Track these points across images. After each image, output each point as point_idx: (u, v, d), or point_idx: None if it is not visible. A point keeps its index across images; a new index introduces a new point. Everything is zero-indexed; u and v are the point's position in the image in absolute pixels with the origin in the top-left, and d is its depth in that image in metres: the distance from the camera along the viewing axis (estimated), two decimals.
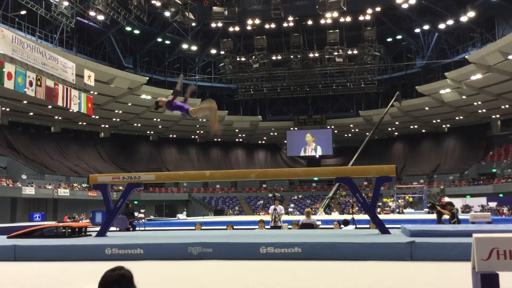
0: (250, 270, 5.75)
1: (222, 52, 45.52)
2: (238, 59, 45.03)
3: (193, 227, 14.39)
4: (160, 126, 47.75)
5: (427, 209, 27.54)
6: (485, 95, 38.26)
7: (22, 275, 5.73)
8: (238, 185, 51.87)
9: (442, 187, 43.70)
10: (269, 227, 13.10)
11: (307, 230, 11.04)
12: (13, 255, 6.87)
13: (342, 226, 12.71)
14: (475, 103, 40.90)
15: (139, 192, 40.88)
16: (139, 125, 47.65)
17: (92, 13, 32.29)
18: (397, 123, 48.16)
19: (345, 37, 42.77)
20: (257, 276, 5.35)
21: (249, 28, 43.35)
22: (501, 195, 37.46)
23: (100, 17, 32.90)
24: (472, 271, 4.09)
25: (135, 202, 39.28)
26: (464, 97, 39.41)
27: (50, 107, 34.74)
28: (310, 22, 42.98)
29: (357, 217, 17.16)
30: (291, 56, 44.37)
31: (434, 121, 48.02)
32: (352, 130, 52.18)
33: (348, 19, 41.09)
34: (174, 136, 51.06)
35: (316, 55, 44.12)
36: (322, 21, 41.24)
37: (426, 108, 43.70)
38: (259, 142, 57.22)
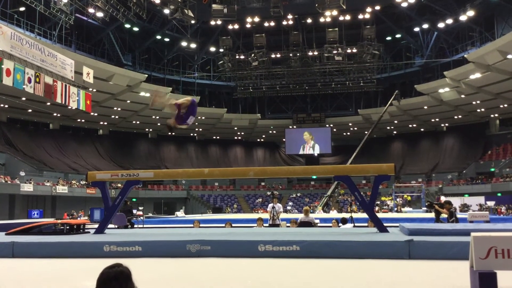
0: (249, 268, 5.75)
1: (221, 50, 45.46)
2: (237, 57, 44.97)
3: (191, 225, 14.39)
4: (159, 124, 47.72)
5: (425, 208, 27.57)
6: (484, 94, 38.29)
7: (20, 272, 5.72)
8: (237, 183, 51.89)
9: (440, 186, 43.75)
10: (267, 225, 13.11)
11: (306, 228, 11.06)
12: (11, 251, 6.87)
13: (340, 224, 12.73)
14: (474, 102, 40.94)
15: (137, 189, 40.90)
16: (138, 122, 47.62)
17: (91, 10, 32.26)
18: (396, 122, 48.19)
19: (345, 35, 42.74)
20: (255, 274, 5.35)
21: (248, 26, 43.30)
22: (499, 194, 37.53)
23: (99, 14, 32.86)
24: (470, 270, 4.10)
25: (134, 200, 39.25)
26: (463, 96, 39.44)
27: (48, 104, 34.70)
28: (309, 20, 42.96)
29: (355, 215, 17.19)
30: (290, 54, 44.32)
31: (432, 120, 48.06)
32: (351, 129, 52.21)
33: (348, 17, 41.06)
34: (173, 133, 51.01)
35: (315, 53, 44.08)
36: (322, 20, 41.22)
37: (425, 107, 43.74)
38: (258, 140, 57.22)
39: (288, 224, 13.30)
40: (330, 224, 13.20)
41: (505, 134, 44.43)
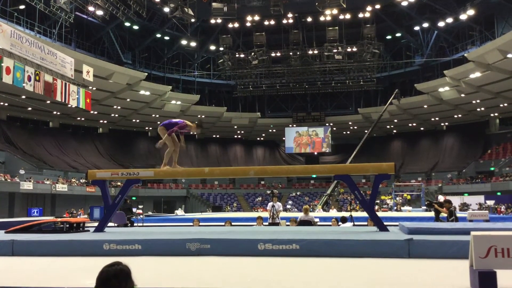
0: (248, 266, 5.75)
1: (221, 49, 45.43)
2: (237, 55, 44.94)
3: (191, 223, 14.39)
4: (158, 122, 47.56)
5: (425, 207, 27.58)
6: (484, 93, 38.29)
7: (19, 270, 5.72)
8: (237, 181, 51.90)
9: (440, 185, 43.77)
10: (267, 223, 13.11)
11: (305, 227, 11.06)
12: (11, 250, 6.87)
13: (340, 223, 12.73)
14: (473, 101, 40.95)
15: (137, 188, 40.90)
16: (137, 121, 47.61)
17: (91, 8, 32.20)
18: (395, 120, 48.19)
19: (345, 34, 42.70)
20: (255, 273, 5.35)
21: (248, 24, 43.26)
22: (499, 193, 37.56)
23: (99, 12, 32.81)
24: (470, 269, 4.10)
25: (133, 198, 39.29)
26: (463, 95, 39.45)
27: (48, 102, 34.70)
28: (309, 19, 42.91)
29: (355, 214, 17.20)
30: (290, 53, 44.29)
31: (432, 119, 48.07)
32: (351, 128, 52.21)
33: (348, 16, 41.04)
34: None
35: (315, 52, 44.07)
36: (322, 18, 41.17)
37: (425, 106, 43.74)
38: (258, 139, 57.22)
39: (288, 223, 13.30)
40: (330, 223, 13.21)
41: (505, 133, 44.45)
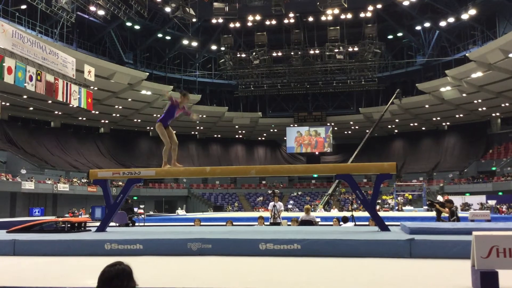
0: (249, 266, 5.75)
1: (222, 48, 45.44)
2: (238, 55, 44.96)
3: (192, 223, 14.40)
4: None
5: (426, 207, 27.56)
6: (486, 93, 38.24)
7: (21, 270, 5.73)
8: (238, 181, 51.92)
9: (441, 185, 43.73)
10: (268, 223, 13.11)
11: (307, 227, 11.06)
12: (12, 249, 6.87)
13: (341, 223, 12.72)
14: (475, 101, 40.90)
15: (138, 187, 40.94)
16: (139, 120, 47.64)
17: (92, 8, 32.23)
18: (397, 120, 48.15)
19: (346, 34, 42.69)
20: (256, 273, 5.35)
21: (249, 24, 43.28)
22: (500, 193, 37.52)
23: (101, 12, 32.84)
24: (472, 269, 4.10)
25: (135, 198, 39.31)
26: (464, 95, 39.40)
27: (50, 102, 34.72)
28: (310, 19, 42.90)
29: (356, 214, 17.18)
30: (292, 53, 44.30)
31: (434, 119, 48.01)
32: (352, 127, 52.18)
33: (349, 16, 41.06)
34: (174, 132, 50.62)
35: (317, 52, 44.07)
36: (323, 18, 41.17)
37: (426, 106, 43.69)
38: (259, 138, 57.23)
39: (289, 223, 13.29)
40: (331, 223, 13.19)
41: (507, 133, 44.39)
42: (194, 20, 39.42)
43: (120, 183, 36.29)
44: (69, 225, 8.81)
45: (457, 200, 33.50)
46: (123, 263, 2.73)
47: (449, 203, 12.60)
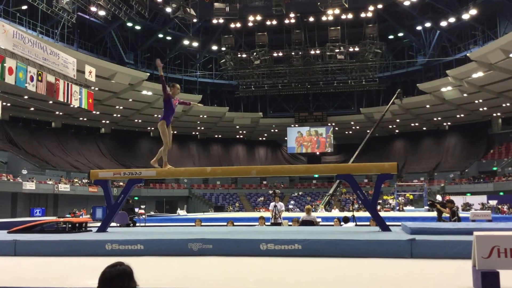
0: (250, 266, 5.75)
1: (223, 49, 45.45)
2: (239, 55, 44.98)
3: (193, 224, 14.39)
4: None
5: (427, 207, 27.55)
6: (487, 93, 38.21)
7: (22, 270, 5.73)
8: (239, 181, 51.93)
9: (442, 185, 43.70)
10: (269, 223, 13.10)
11: (307, 227, 11.05)
12: (13, 250, 6.87)
13: (342, 223, 12.72)
14: (476, 101, 40.88)
15: (139, 188, 40.97)
16: (139, 121, 47.66)
17: (93, 9, 32.25)
18: (398, 120, 48.13)
19: (347, 34, 42.69)
20: (257, 273, 5.35)
21: (250, 24, 43.30)
22: (501, 193, 37.49)
23: (101, 13, 32.87)
24: (473, 269, 4.09)
25: (136, 198, 39.33)
26: (465, 95, 39.37)
27: (51, 102, 34.75)
28: (311, 19, 42.92)
29: (357, 214, 17.17)
30: (292, 53, 44.30)
31: (435, 119, 47.99)
32: (353, 127, 52.17)
33: (350, 16, 41.07)
34: (175, 132, 50.50)
35: (318, 52, 44.06)
36: (324, 18, 41.19)
37: (427, 106, 43.66)
38: (260, 138, 57.24)
39: (290, 223, 13.29)
40: (332, 223, 13.19)
41: (508, 133, 44.36)
42: (194, 20, 39.43)
43: (121, 183, 36.33)
44: (70, 226, 8.82)
45: (458, 200, 33.50)
46: (123, 263, 2.73)
47: (450, 203, 12.60)
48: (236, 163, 51.75)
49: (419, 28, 44.55)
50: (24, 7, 30.74)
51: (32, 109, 38.71)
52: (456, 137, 49.59)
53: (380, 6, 41.28)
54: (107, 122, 47.63)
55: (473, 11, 36.35)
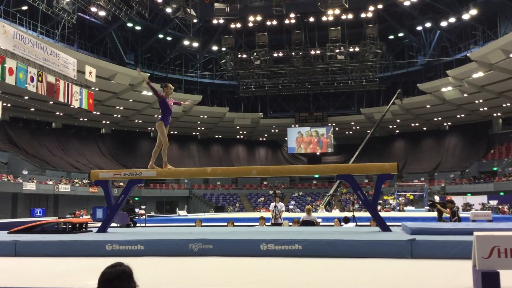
0: (251, 266, 5.75)
1: (223, 49, 45.47)
2: (239, 55, 44.99)
3: (193, 224, 14.39)
4: None
5: (427, 207, 27.53)
6: (487, 93, 38.20)
7: (22, 271, 5.73)
8: (239, 182, 51.93)
9: (443, 185, 43.69)
10: (269, 224, 13.10)
11: (308, 227, 11.05)
12: (13, 250, 6.87)
13: (342, 223, 12.71)
14: (476, 101, 40.87)
15: (140, 188, 40.97)
16: (140, 121, 47.66)
17: (93, 9, 32.26)
18: (398, 120, 48.12)
19: (347, 34, 42.69)
20: (257, 273, 5.35)
21: (250, 24, 43.32)
22: (502, 193, 37.47)
23: (102, 13, 32.88)
24: (473, 269, 4.09)
25: (136, 198, 39.32)
26: (465, 95, 39.36)
27: (51, 103, 34.76)
28: (311, 19, 42.94)
29: (357, 214, 17.16)
30: (293, 53, 44.31)
31: (435, 119, 47.98)
32: (353, 128, 52.17)
33: (350, 16, 41.09)
34: (175, 132, 51.01)
35: (318, 52, 44.07)
36: (324, 18, 41.20)
37: (428, 106, 43.66)
38: (260, 139, 57.23)
39: (290, 223, 13.28)
40: (333, 223, 13.19)
41: (508, 133, 44.34)
42: (195, 20, 39.44)
43: (121, 183, 36.34)
44: (70, 226, 8.82)
45: (459, 201, 33.48)
46: (123, 264, 2.73)
47: (451, 203, 12.59)
48: (236, 164, 51.75)
49: (419, 28, 44.55)
50: (25, 8, 30.75)
51: (32, 109, 38.72)
52: (457, 137, 49.57)
53: (380, 6, 41.28)
54: (108, 122, 47.63)
55: (473, 11, 36.34)
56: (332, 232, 8.28)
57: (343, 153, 52.36)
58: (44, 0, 28.66)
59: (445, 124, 49.99)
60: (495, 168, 41.94)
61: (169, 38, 47.08)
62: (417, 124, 49.91)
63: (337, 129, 51.84)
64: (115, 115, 45.08)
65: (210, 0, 41.41)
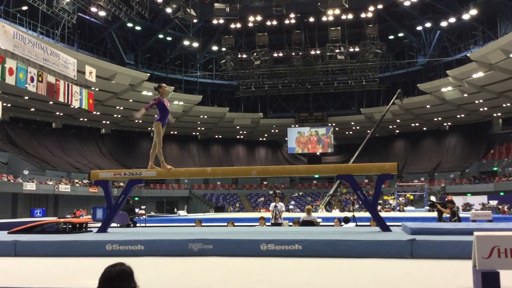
0: (251, 266, 5.75)
1: (223, 49, 45.49)
2: (239, 56, 44.99)
3: (193, 224, 14.39)
4: None
5: (427, 207, 27.52)
6: (487, 93, 38.21)
7: (22, 271, 5.73)
8: (239, 182, 51.93)
9: (443, 185, 43.69)
10: (269, 224, 13.10)
11: (308, 227, 11.05)
12: (13, 250, 6.87)
13: (342, 223, 12.71)
14: (476, 101, 40.87)
15: (140, 188, 40.96)
16: (140, 121, 47.63)
17: (93, 9, 32.27)
18: (398, 120, 48.12)
19: (347, 34, 42.69)
20: (257, 273, 5.35)
21: (250, 24, 43.32)
22: (502, 193, 37.47)
23: (102, 13, 32.89)
24: (473, 269, 4.09)
25: (136, 199, 39.32)
26: (465, 95, 39.37)
27: (51, 103, 34.76)
28: (311, 19, 42.95)
29: (357, 214, 17.16)
30: (293, 53, 44.32)
31: (435, 119, 47.98)
32: (353, 128, 52.17)
33: (350, 16, 41.10)
34: (175, 132, 51.07)
35: (318, 52, 44.09)
36: (324, 18, 41.22)
37: (428, 106, 43.66)
38: (260, 139, 57.23)
39: (290, 223, 13.28)
40: (333, 223, 13.19)
41: (508, 133, 44.34)
42: (195, 20, 39.46)
43: (121, 183, 36.34)
44: (70, 226, 8.82)
45: (459, 201, 33.49)
46: (123, 264, 2.73)
47: (451, 203, 12.60)
48: (236, 164, 51.75)
49: (419, 28, 44.55)
50: (25, 8, 30.75)
51: (32, 109, 38.73)
52: (457, 137, 49.58)
53: (380, 6, 41.28)
54: (108, 122, 47.64)
55: (473, 11, 36.35)
56: (332, 232, 8.28)
57: (343, 153, 52.36)
58: (44, 0, 28.68)
59: (445, 124, 49.99)
60: (495, 168, 41.94)
61: (169, 38, 47.08)
62: (417, 124, 49.91)
63: (337, 129, 51.84)
64: (115, 115, 45.09)
65: (210, 0, 41.42)
